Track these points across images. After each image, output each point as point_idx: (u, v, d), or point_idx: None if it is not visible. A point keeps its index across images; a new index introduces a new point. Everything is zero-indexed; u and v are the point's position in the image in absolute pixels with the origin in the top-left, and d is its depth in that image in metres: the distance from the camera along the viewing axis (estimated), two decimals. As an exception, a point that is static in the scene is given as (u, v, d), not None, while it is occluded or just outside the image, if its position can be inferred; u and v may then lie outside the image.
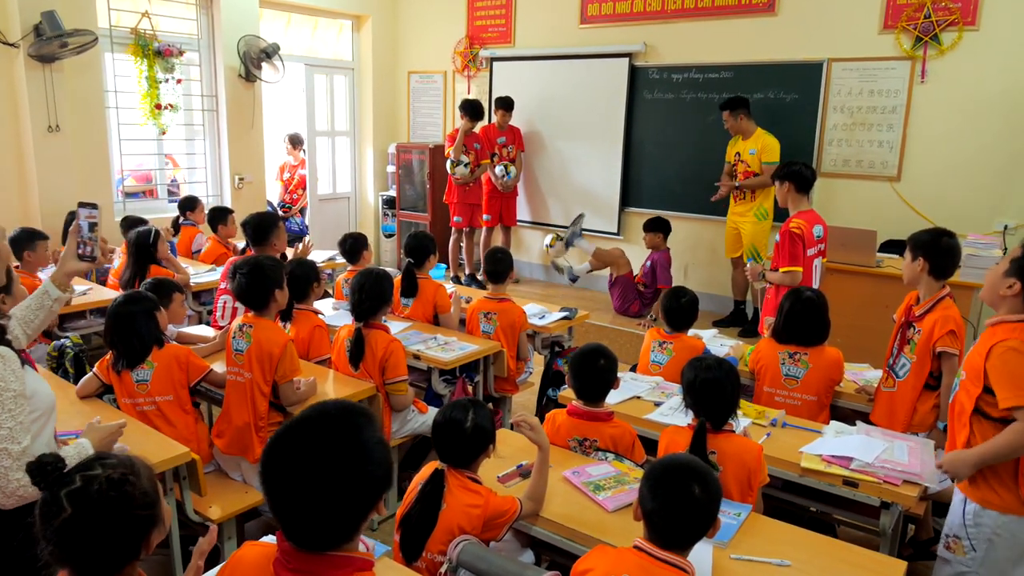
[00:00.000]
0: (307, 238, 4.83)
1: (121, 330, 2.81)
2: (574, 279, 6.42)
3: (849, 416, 3.16)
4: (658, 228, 5.85)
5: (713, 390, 2.32)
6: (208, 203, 6.00)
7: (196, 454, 2.53)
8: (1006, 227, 4.91)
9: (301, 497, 1.19)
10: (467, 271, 7.09)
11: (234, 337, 2.89)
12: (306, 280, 3.51)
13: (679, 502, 1.65)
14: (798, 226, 3.85)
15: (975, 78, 4.94)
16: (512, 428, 2.30)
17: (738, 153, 5.41)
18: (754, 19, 5.74)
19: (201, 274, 4.79)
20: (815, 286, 3.93)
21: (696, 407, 2.35)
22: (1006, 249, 4.84)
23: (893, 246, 4.97)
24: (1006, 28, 4.80)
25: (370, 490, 1.23)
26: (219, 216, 5.34)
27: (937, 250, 2.88)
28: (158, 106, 6.00)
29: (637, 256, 6.14)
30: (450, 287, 4.74)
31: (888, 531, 2.45)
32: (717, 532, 1.72)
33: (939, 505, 2.87)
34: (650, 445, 2.67)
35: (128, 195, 6.32)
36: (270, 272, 2.88)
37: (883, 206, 5.37)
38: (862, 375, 3.38)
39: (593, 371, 2.56)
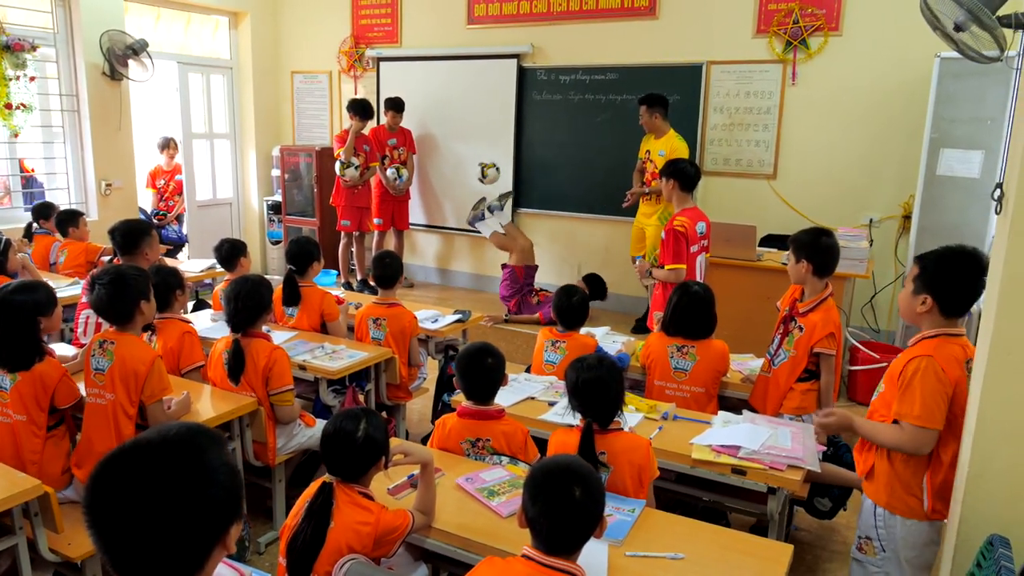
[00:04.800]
0: None
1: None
2: (479, 219, 6.24)
3: (736, 405, 3.24)
4: None
5: (596, 389, 2.28)
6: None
7: (49, 487, 2.29)
8: (871, 220, 5.24)
9: (132, 528, 1.04)
10: (359, 276, 6.90)
11: (93, 355, 2.64)
12: (167, 288, 3.24)
13: (561, 506, 1.60)
14: (682, 224, 3.95)
15: (840, 80, 5.24)
16: (403, 449, 2.16)
17: (648, 151, 5.40)
18: (637, 22, 5.87)
19: (62, 287, 4.39)
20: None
21: (582, 408, 2.32)
22: (872, 241, 5.16)
23: (772, 240, 5.19)
24: (866, 33, 5.12)
25: (211, 517, 1.09)
26: (69, 219, 4.95)
27: (818, 251, 3.01)
28: (8, 106, 5.49)
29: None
30: (340, 293, 4.58)
31: (775, 515, 2.52)
32: (604, 532, 1.69)
33: (817, 485, 3.01)
34: (544, 446, 2.63)
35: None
36: (134, 282, 2.65)
37: (761, 203, 5.61)
38: (747, 365, 3.49)
39: (480, 370, 2.50)
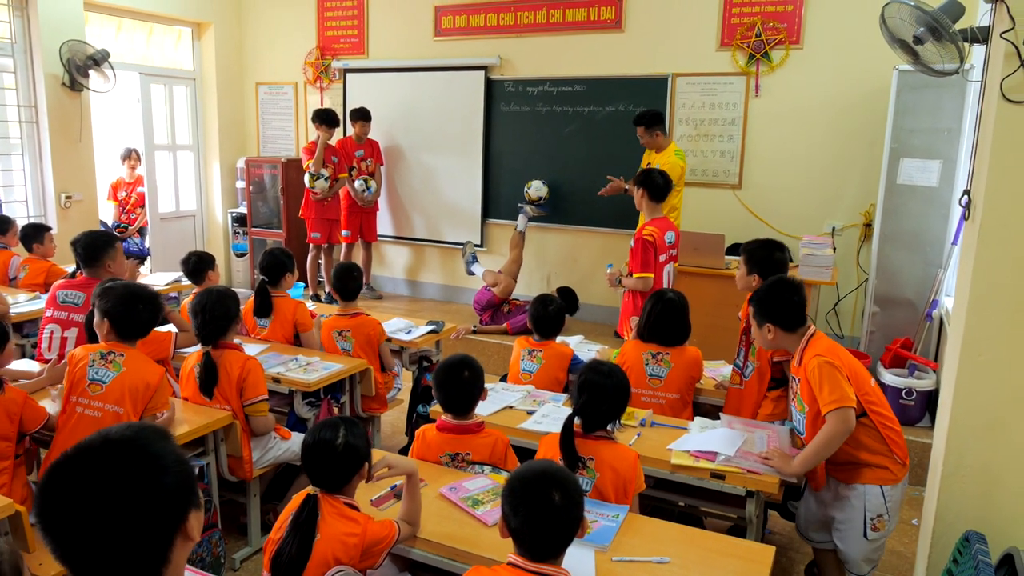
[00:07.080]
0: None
1: None
2: (471, 263, 6.34)
3: (710, 411, 3.29)
4: None
5: (592, 393, 2.33)
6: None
7: (20, 506, 2.22)
8: (834, 228, 5.37)
9: (87, 528, 1.02)
10: (327, 289, 6.83)
11: (91, 365, 2.59)
12: None
13: (542, 513, 1.61)
14: (650, 233, 4.00)
15: (802, 92, 5.38)
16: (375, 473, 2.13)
17: (649, 164, 5.30)
18: (603, 35, 5.95)
19: (22, 303, 4.28)
20: (667, 290, 4.09)
21: (579, 406, 2.36)
22: (835, 248, 5.28)
23: (737, 249, 5.26)
24: (825, 46, 5.27)
25: (165, 505, 1.07)
26: (34, 234, 4.83)
27: (770, 266, 3.10)
28: (-36, 117, 5.34)
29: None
30: (310, 305, 4.53)
31: (754, 518, 2.56)
32: (587, 533, 1.71)
33: (790, 489, 3.05)
34: (526, 454, 2.64)
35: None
36: (150, 301, 2.75)
37: (727, 212, 5.71)
38: (719, 371, 3.54)
39: (458, 383, 2.49)
